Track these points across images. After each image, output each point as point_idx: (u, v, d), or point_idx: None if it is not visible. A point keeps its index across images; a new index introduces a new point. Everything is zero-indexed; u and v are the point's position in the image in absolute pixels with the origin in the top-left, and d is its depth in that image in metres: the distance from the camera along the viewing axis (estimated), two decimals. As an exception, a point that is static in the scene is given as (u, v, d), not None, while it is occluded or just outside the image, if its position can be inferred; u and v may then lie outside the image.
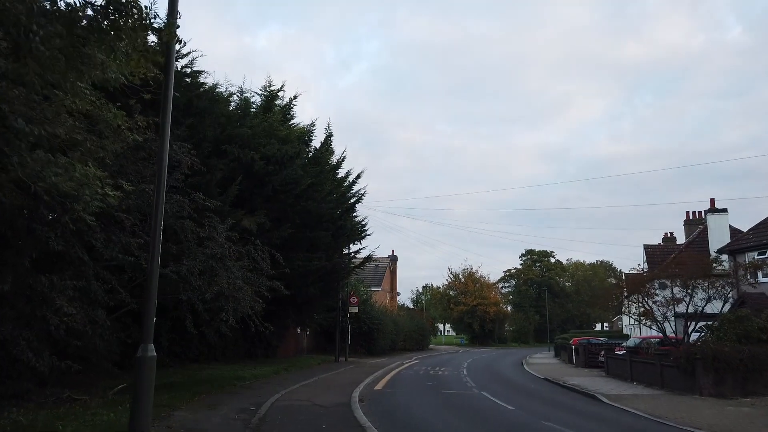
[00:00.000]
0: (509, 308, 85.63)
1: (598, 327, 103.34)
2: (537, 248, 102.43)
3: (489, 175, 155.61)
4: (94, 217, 9.33)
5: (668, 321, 23.29)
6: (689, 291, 22.31)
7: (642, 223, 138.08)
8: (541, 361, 38.67)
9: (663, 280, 24.60)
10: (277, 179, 19.90)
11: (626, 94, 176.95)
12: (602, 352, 27.61)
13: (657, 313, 23.38)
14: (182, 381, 15.95)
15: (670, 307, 22.93)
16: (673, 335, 23.19)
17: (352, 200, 27.10)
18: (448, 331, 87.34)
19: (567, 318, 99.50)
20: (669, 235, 45.82)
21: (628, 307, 27.47)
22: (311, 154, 24.73)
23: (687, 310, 22.35)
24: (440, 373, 24.92)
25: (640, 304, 24.10)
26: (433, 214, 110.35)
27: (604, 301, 38.83)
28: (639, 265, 42.65)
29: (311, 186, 21.97)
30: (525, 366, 33.36)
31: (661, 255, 38.30)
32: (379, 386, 18.01)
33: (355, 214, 28.12)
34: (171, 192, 13.04)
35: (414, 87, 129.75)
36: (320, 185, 22.89)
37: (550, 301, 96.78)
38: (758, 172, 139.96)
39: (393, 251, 60.98)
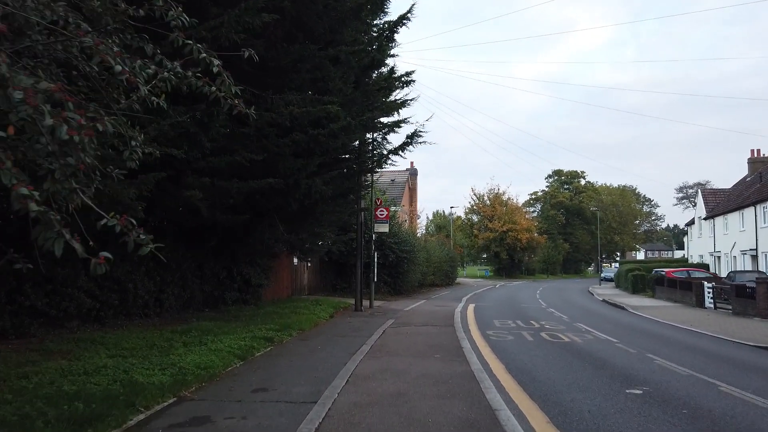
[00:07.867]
0: (537, 235, 74.07)
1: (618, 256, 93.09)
2: (565, 169, 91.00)
3: (487, 104, 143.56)
4: None
5: None
6: None
7: (642, 154, 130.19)
8: (639, 302, 27.31)
9: None
10: None
11: (632, 21, 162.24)
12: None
13: None
14: None
15: None
16: None
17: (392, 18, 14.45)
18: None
19: (595, 246, 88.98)
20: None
21: None
22: None
23: None
24: (566, 339, 13.20)
25: None
26: (429, 145, 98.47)
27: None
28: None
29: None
30: (634, 311, 22.19)
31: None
32: (539, 426, 6.11)
33: (391, 52, 15.60)
34: None
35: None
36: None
37: (579, 227, 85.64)
38: (764, 101, 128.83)
39: (412, 163, 48.49)
